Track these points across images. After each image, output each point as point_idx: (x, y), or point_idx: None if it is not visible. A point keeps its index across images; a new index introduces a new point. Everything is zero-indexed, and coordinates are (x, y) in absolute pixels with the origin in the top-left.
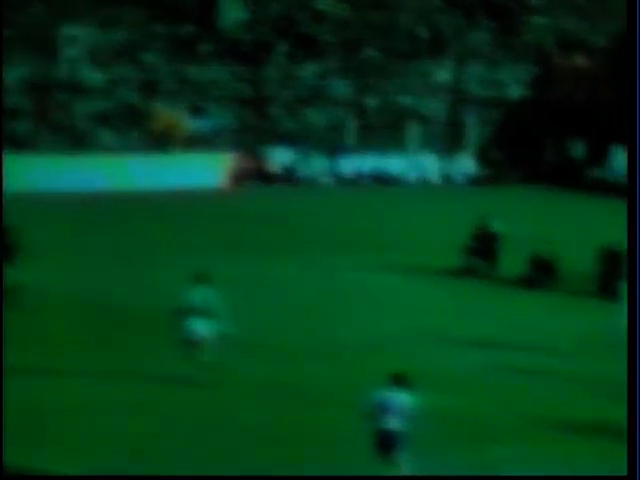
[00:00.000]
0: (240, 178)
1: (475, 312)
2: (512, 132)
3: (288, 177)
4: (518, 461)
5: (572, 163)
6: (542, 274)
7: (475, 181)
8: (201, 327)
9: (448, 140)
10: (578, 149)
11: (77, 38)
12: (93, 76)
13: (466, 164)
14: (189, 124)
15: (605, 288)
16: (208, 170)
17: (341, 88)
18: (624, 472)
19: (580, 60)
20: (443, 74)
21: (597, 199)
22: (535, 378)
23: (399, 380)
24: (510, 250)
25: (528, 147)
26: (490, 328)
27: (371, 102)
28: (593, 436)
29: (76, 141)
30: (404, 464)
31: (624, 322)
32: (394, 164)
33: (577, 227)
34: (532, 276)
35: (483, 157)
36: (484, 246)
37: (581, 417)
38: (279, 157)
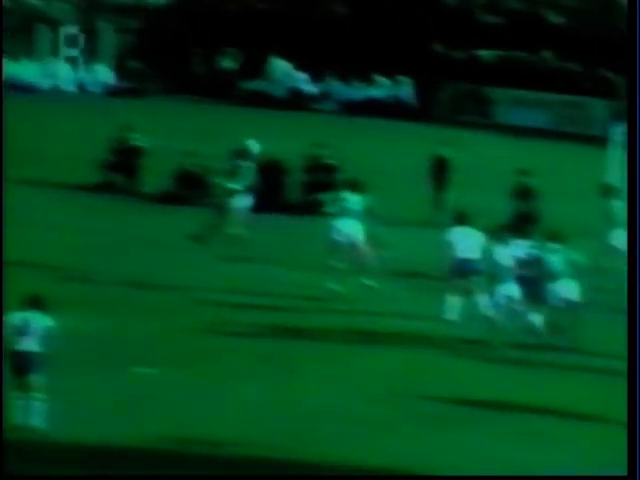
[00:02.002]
0: None
1: (117, 230)
2: (153, 42)
3: None
4: (161, 380)
5: (224, 75)
6: (189, 189)
7: (113, 92)
8: None
9: (83, 47)
10: (231, 60)
11: None
12: None
13: (103, 74)
14: None
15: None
16: None
17: None
18: None
19: None
20: None
21: (252, 111)
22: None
23: (35, 302)
24: (154, 165)
25: (171, 57)
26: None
27: None
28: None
29: None
30: (39, 386)
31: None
32: (26, 71)
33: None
34: (177, 192)
35: (121, 67)
36: (124, 160)
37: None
38: None
